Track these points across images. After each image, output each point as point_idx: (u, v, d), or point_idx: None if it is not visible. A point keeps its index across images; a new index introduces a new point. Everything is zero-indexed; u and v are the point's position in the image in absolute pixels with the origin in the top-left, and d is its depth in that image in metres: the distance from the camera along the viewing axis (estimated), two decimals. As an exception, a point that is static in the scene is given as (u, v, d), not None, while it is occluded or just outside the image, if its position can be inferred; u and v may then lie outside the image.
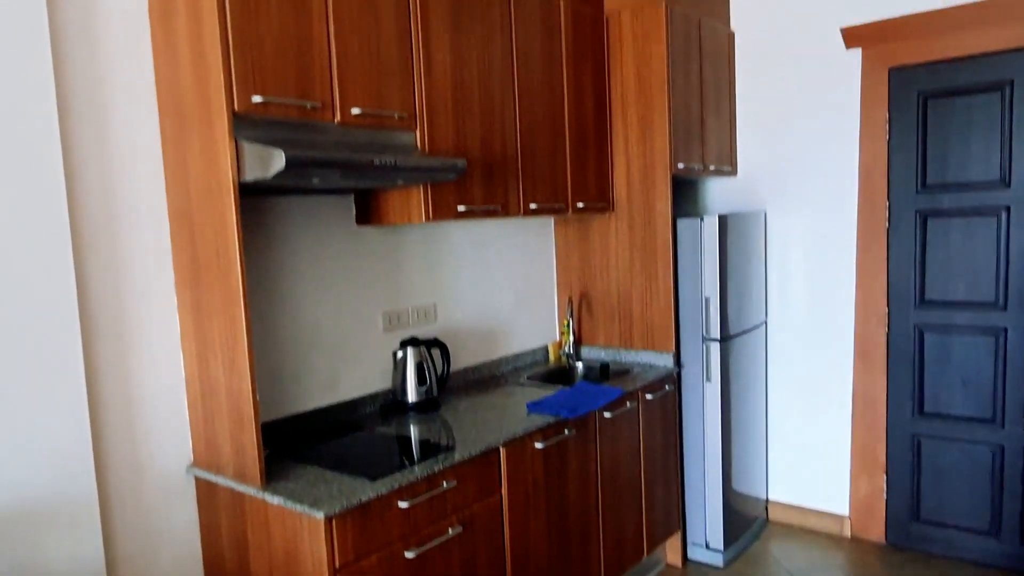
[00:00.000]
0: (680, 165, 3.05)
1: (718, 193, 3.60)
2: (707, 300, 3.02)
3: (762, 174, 3.45)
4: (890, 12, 3.04)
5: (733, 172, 3.50)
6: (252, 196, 2.21)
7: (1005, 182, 2.88)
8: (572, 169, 2.92)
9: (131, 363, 1.95)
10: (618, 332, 3.23)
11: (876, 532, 3.30)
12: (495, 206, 2.55)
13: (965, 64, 2.92)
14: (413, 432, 2.29)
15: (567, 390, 2.69)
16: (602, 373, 3.15)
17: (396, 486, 1.84)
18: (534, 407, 2.47)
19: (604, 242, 3.23)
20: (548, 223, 3.37)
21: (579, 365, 3.25)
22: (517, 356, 3.20)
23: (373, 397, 2.57)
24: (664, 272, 3.06)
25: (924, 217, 3.08)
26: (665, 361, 3.09)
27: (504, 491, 2.22)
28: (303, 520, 1.76)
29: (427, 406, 2.54)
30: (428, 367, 2.56)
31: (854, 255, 3.24)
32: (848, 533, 3.36)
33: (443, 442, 2.16)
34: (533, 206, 2.71)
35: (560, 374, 3.20)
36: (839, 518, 3.38)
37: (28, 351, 1.73)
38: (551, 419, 2.37)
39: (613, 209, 3.17)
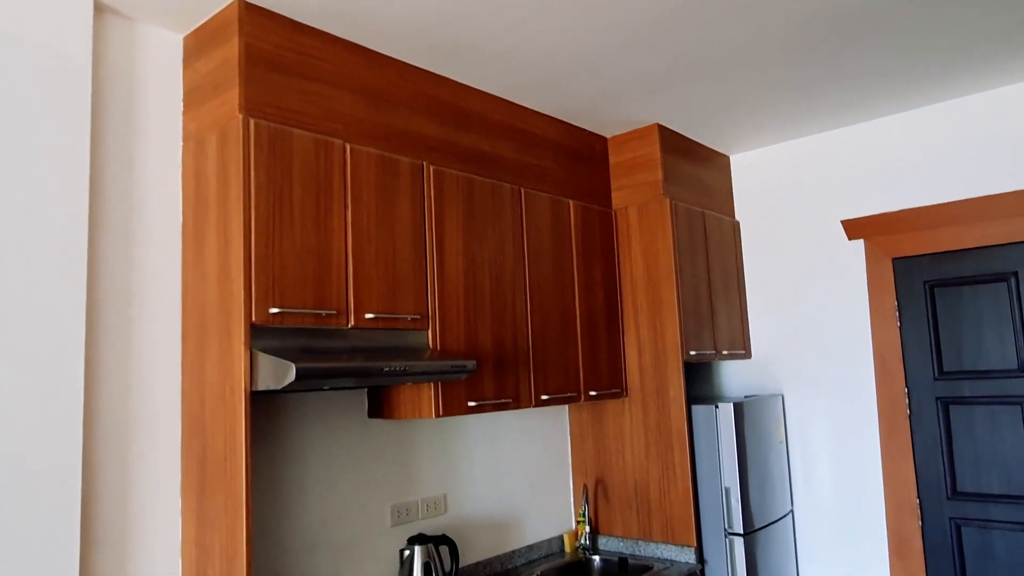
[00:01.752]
0: (692, 352, 3.08)
1: (733, 375, 3.59)
2: (727, 491, 2.93)
3: (777, 357, 3.45)
4: (888, 206, 3.17)
5: (747, 355, 3.51)
6: (266, 394, 2.26)
7: (1023, 370, 2.85)
8: (584, 358, 2.96)
9: (129, 571, 1.91)
10: (636, 521, 3.11)
11: None
12: (506, 399, 2.57)
13: (968, 255, 2.99)
14: (416, 645, 2.17)
15: (581, 593, 2.56)
16: (621, 568, 3.00)
17: None
18: (545, 615, 2.34)
19: (619, 427, 3.19)
20: (563, 409, 3.36)
21: (596, 559, 3.10)
22: (531, 548, 3.07)
23: (377, 600, 2.46)
24: (681, 459, 2.99)
25: (946, 404, 3.02)
26: (687, 556, 2.94)
27: None
28: None
29: (433, 611, 2.42)
30: (436, 567, 2.47)
31: (878, 441, 3.15)
32: None
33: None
34: (545, 397, 2.72)
35: (576, 569, 3.05)
36: None
37: (19, 554, 1.71)
38: (563, 630, 2.24)
39: (627, 394, 3.17)
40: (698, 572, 2.92)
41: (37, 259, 1.79)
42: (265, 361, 1.84)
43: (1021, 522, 2.82)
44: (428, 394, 2.34)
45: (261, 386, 1.84)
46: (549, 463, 3.25)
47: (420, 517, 2.66)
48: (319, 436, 2.39)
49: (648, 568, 2.89)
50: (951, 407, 3.01)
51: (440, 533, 2.56)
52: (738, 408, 2.97)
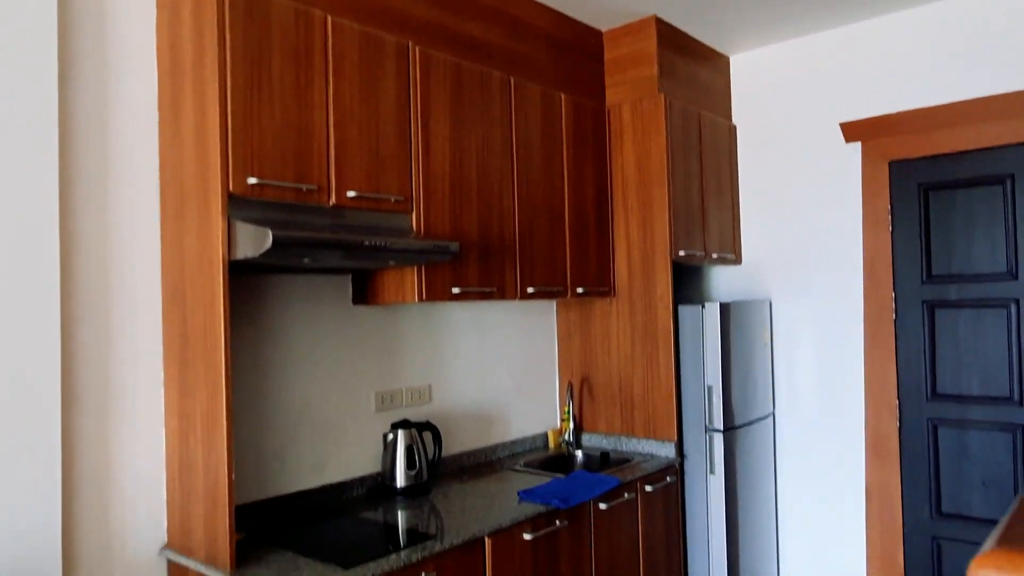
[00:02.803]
0: (681, 252, 3.06)
1: (723, 281, 3.59)
2: (709, 389, 2.96)
3: (766, 263, 3.44)
4: (887, 108, 3.10)
5: (737, 260, 3.49)
6: (248, 274, 2.24)
7: (1012, 274, 2.84)
8: (572, 254, 2.94)
9: (112, 436, 1.94)
10: (620, 419, 3.16)
11: (896, 643, 3.08)
12: (491, 288, 2.56)
13: (964, 158, 2.94)
14: (398, 518, 2.22)
15: (562, 479, 2.61)
16: (602, 461, 3.06)
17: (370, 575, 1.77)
18: (525, 495, 2.39)
19: (605, 326, 3.21)
20: (550, 306, 3.37)
21: (578, 453, 3.17)
22: (515, 442, 3.13)
23: (361, 480, 2.51)
24: (665, 359, 3.01)
25: (932, 308, 3.03)
26: (667, 451, 3.00)
27: (488, 585, 2.12)
28: (269, 609, 1.69)
29: (416, 491, 2.48)
30: (419, 451, 2.51)
31: (862, 345, 3.18)
32: (866, 643, 3.15)
33: (428, 529, 2.08)
34: (530, 290, 2.72)
35: (559, 462, 3.11)
36: (856, 626, 3.17)
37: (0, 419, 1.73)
38: (542, 509, 2.29)
39: (614, 294, 3.16)
40: (677, 465, 2.98)
41: (6, 128, 1.74)
42: (243, 229, 1.81)
43: (996, 421, 2.87)
44: (412, 278, 2.33)
45: (239, 254, 1.82)
46: (535, 361, 3.28)
47: (404, 405, 2.69)
48: (303, 320, 2.39)
49: (628, 460, 2.95)
50: (937, 311, 3.01)
51: (425, 420, 2.60)
52: (724, 309, 2.97)
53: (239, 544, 1.99)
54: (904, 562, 3.06)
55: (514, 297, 2.66)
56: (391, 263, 2.16)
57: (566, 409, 3.24)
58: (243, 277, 2.23)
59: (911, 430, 3.06)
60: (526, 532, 2.24)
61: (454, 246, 2.20)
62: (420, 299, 2.32)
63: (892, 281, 3.10)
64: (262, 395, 2.27)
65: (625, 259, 3.14)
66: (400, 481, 2.47)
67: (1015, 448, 2.83)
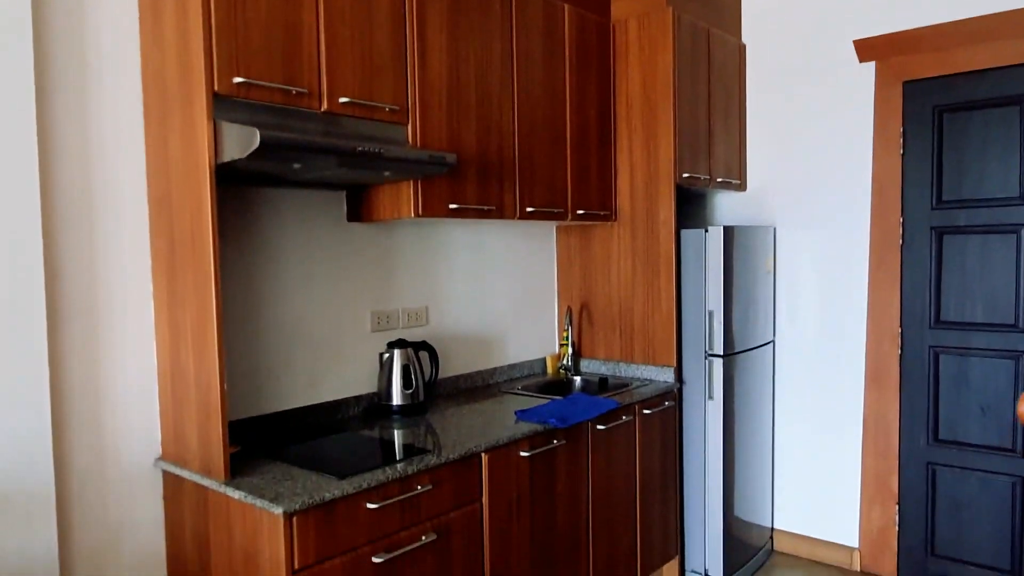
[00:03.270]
0: (685, 175, 2.97)
1: (726, 208, 3.51)
2: (710, 314, 2.92)
3: (772, 189, 3.36)
4: (904, 24, 2.96)
5: (742, 186, 3.41)
6: (239, 185, 2.17)
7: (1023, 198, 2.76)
8: (573, 175, 2.86)
9: (101, 348, 1.90)
10: (619, 345, 3.13)
11: (888, 566, 3.12)
12: (489, 206, 2.48)
13: (982, 77, 2.82)
14: (394, 435, 2.20)
15: (560, 400, 2.59)
16: (600, 386, 3.04)
17: (365, 486, 1.75)
18: (523, 415, 2.37)
19: (606, 251, 3.14)
20: (550, 230, 3.30)
21: (576, 379, 3.15)
22: (513, 367, 3.10)
23: (357, 399, 2.49)
24: (667, 284, 2.96)
25: (940, 234, 2.96)
26: (666, 376, 2.97)
27: (485, 500, 2.11)
28: (263, 516, 1.67)
29: (412, 410, 2.46)
30: (415, 370, 2.48)
31: (866, 273, 3.12)
32: (858, 567, 3.19)
33: (424, 445, 2.06)
34: (530, 209, 2.64)
35: (556, 386, 3.10)
36: (849, 550, 3.21)
37: (-10, 329, 1.68)
38: (539, 428, 2.27)
39: (616, 218, 3.09)
40: (675, 390, 2.97)
41: (-27, 6, 1.63)
42: (229, 129, 1.72)
43: (998, 349, 2.83)
44: (407, 193, 2.25)
45: (226, 156, 1.74)
46: (534, 286, 3.23)
47: (401, 326, 2.65)
48: (297, 237, 2.32)
49: (627, 385, 2.92)
50: (945, 237, 2.95)
51: (421, 340, 2.56)
52: (728, 233, 2.90)
53: (233, 457, 1.97)
54: (899, 488, 3.08)
55: (513, 217, 2.59)
56: (386, 174, 2.08)
57: (565, 334, 3.20)
58: (233, 188, 2.16)
59: (912, 358, 3.03)
60: (523, 449, 2.22)
61: (451, 157, 2.12)
62: (416, 214, 2.24)
63: (901, 207, 3.02)
64: (255, 311, 2.22)
65: (628, 182, 3.05)
66: (396, 400, 2.44)
67: (1016, 375, 2.80)
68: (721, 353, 2.91)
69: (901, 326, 3.06)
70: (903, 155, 3.02)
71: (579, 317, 3.26)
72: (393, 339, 2.59)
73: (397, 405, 2.44)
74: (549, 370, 3.26)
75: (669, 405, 2.91)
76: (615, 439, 2.63)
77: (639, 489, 2.76)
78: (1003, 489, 2.85)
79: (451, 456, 1.98)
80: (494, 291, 3.03)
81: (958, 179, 2.90)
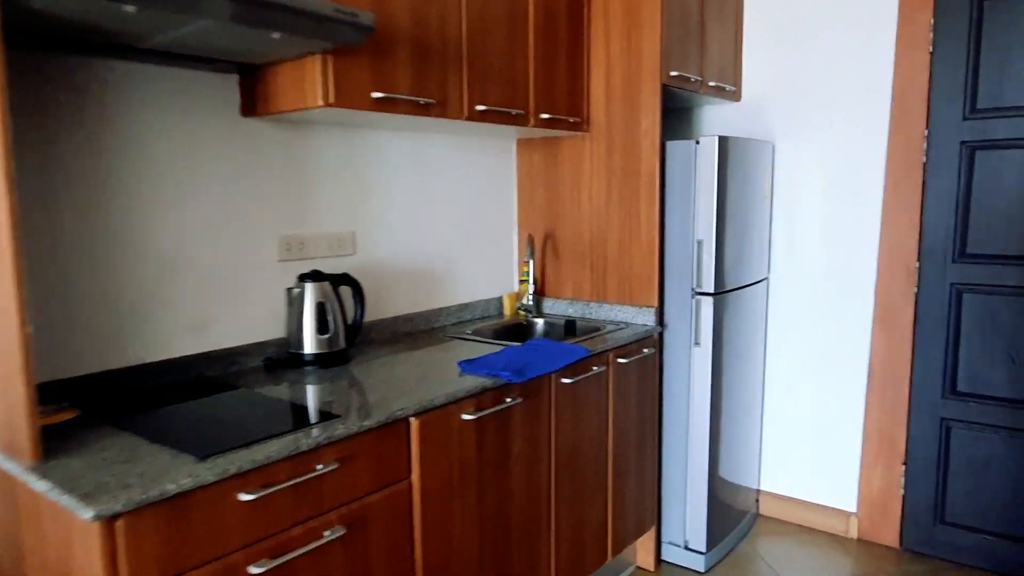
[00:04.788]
0: (673, 73, 2.43)
1: (717, 124, 2.99)
2: (700, 244, 2.42)
3: (771, 99, 2.83)
4: None
5: (736, 96, 2.88)
6: (79, 55, 1.57)
7: (1080, 105, 2.29)
8: (537, 68, 2.30)
9: None
10: (590, 281, 2.63)
11: (889, 534, 2.74)
12: (428, 99, 1.92)
13: (1037, -46, 2.31)
14: (300, 394, 1.68)
15: (518, 347, 2.09)
16: (567, 331, 2.55)
17: (233, 470, 1.23)
18: (469, 366, 1.87)
19: (576, 169, 2.61)
20: (509, 144, 2.74)
21: (539, 322, 2.65)
22: (463, 307, 2.59)
23: (259, 347, 1.96)
24: (648, 208, 2.45)
25: (972, 150, 2.48)
26: (646, 318, 2.49)
27: (415, 476, 1.62)
28: (74, 520, 1.15)
29: (330, 360, 1.94)
30: (334, 310, 1.95)
31: (880, 196, 2.65)
32: (855, 534, 2.81)
33: (334, 408, 1.55)
34: (482, 108, 2.09)
35: (515, 331, 2.60)
36: (845, 515, 2.82)
37: None
38: (489, 382, 1.77)
39: (588, 128, 2.55)
40: (656, 335, 2.49)
41: None
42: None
43: (1014, 286, 2.41)
44: (314, 73, 1.68)
45: (7, -16, 1.15)
46: (490, 210, 2.69)
47: (319, 255, 2.11)
48: (174, 133, 1.74)
49: (599, 329, 2.44)
50: (978, 153, 2.47)
51: (342, 273, 2.02)
52: (724, 144, 2.39)
53: (64, 426, 1.43)
54: (906, 447, 2.68)
55: (460, 115, 2.04)
56: (274, 36, 1.49)
57: (525, 269, 2.69)
58: (71, 58, 1.56)
59: (930, 296, 2.59)
60: (467, 411, 1.72)
61: (367, 17, 1.54)
62: (327, 102, 1.68)
63: (926, 117, 2.53)
64: (111, 233, 1.65)
65: (603, 82, 2.50)
66: (309, 347, 1.92)
67: (1055, 317, 2.38)
68: (711, 291, 2.43)
69: (919, 259, 2.60)
70: (932, 53, 2.51)
71: (543, 249, 2.75)
72: (307, 271, 2.04)
73: (310, 354, 1.92)
74: (507, 311, 2.75)
75: (649, 353, 2.43)
76: (584, 394, 2.15)
77: (612, 452, 2.30)
78: (1030, 448, 2.46)
79: (367, 424, 1.47)
80: (441, 215, 2.49)
81: (998, 82, 2.41)
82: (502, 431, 1.85)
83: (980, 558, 2.58)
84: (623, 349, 2.30)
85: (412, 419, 1.59)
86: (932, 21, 2.49)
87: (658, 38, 2.36)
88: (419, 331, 2.40)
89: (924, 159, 2.55)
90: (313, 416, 1.49)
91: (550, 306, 2.74)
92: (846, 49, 2.65)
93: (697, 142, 2.40)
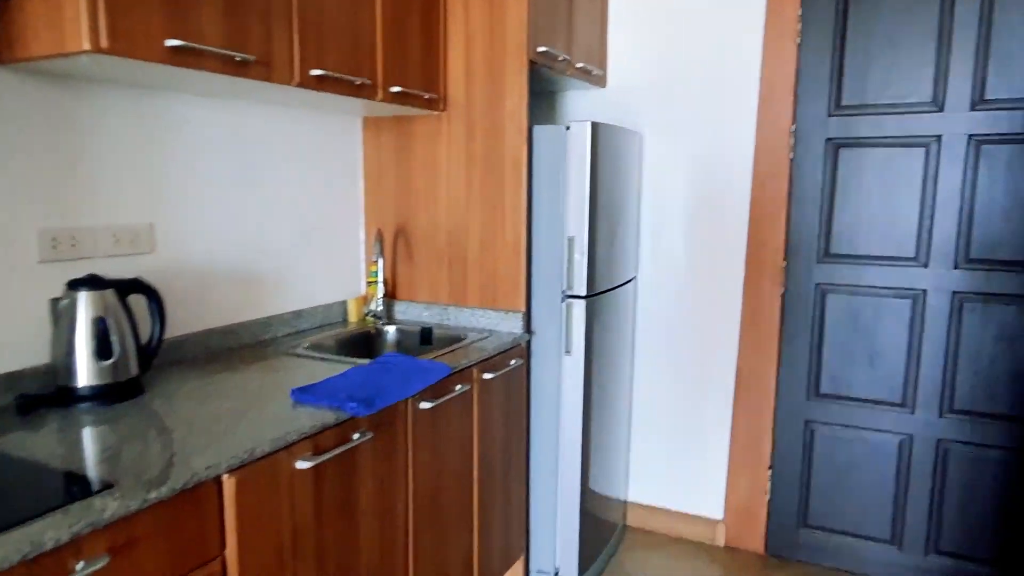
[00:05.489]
0: (540, 49, 2.16)
1: (581, 111, 2.77)
2: (571, 241, 2.18)
3: (638, 86, 2.65)
4: None
5: (602, 81, 2.67)
6: None
7: (938, 104, 2.28)
8: (385, 32, 1.93)
9: None
10: (448, 283, 2.30)
11: (755, 540, 2.67)
12: (247, 56, 1.50)
13: (900, -50, 2.28)
14: (69, 447, 1.21)
15: (366, 366, 1.73)
16: (422, 340, 2.22)
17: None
18: (304, 396, 1.48)
19: (432, 154, 2.28)
20: (353, 123, 2.35)
21: (390, 330, 2.29)
22: (297, 315, 2.17)
23: (10, 379, 1.45)
24: (514, 200, 2.17)
25: (836, 147, 2.43)
26: (512, 325, 2.21)
27: (231, 553, 1.22)
28: None
29: (116, 394, 1.47)
30: (119, 326, 1.48)
31: (748, 193, 2.55)
32: (722, 541, 2.72)
33: (112, 471, 1.11)
34: (318, 73, 1.69)
35: (362, 342, 2.22)
36: (712, 523, 2.72)
37: None
38: (330, 417, 1.40)
39: (445, 107, 2.22)
40: (524, 345, 2.22)
41: None
42: None
43: (894, 287, 2.39)
44: (77, 4, 1.22)
45: None
46: (331, 200, 2.29)
47: (101, 254, 1.62)
48: None
49: (460, 339, 2.13)
50: (842, 151, 2.43)
51: (132, 278, 1.55)
52: (597, 131, 2.15)
53: None
54: (772, 451, 2.61)
55: (289, 80, 1.63)
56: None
57: (373, 269, 2.32)
58: None
59: (796, 297, 2.53)
60: (302, 458, 1.34)
61: (153, -72, 1.12)
62: (97, 46, 1.22)
63: (793, 111, 2.45)
64: None
65: (462, 55, 2.19)
66: (83, 378, 1.44)
67: (913, 317, 2.38)
68: (583, 293, 2.19)
69: (786, 259, 2.53)
70: (799, 45, 2.43)
71: (393, 246, 2.39)
72: (81, 275, 1.55)
73: (86, 388, 1.44)
74: (352, 318, 2.36)
75: (516, 364, 2.15)
76: (446, 419, 1.83)
77: (477, 482, 2.00)
78: (888, 449, 2.46)
79: (155, 495, 1.05)
80: (269, 205, 2.06)
81: (862, 78, 2.37)
82: (348, 476, 1.48)
83: (841, 559, 2.56)
84: (489, 362, 2.00)
85: (226, 477, 1.19)
86: (800, 13, 2.41)
87: (525, 7, 2.08)
88: (243, 347, 1.96)
89: (791, 155, 2.48)
90: (76, 487, 1.05)
91: (403, 311, 2.39)
92: (715, 37, 2.52)
93: (568, 128, 2.14)
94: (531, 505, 2.34)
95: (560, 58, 2.28)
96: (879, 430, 2.46)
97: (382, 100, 1.94)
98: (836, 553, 2.56)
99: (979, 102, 2.23)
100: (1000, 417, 2.30)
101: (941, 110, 2.28)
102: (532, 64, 2.16)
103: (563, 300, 2.21)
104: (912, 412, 2.41)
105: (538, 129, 2.18)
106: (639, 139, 2.62)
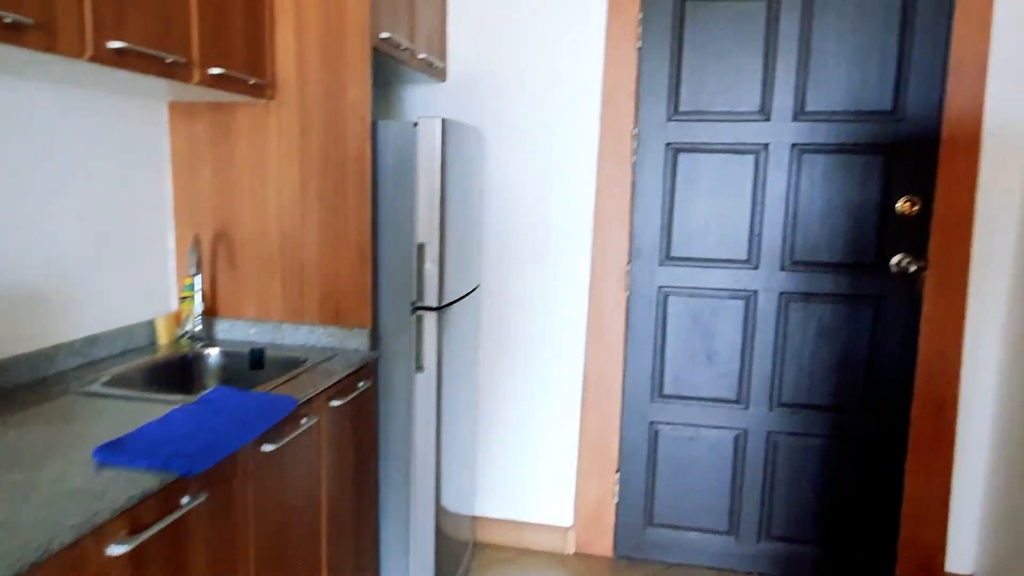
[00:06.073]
0: (384, 35, 1.95)
1: (420, 107, 2.58)
2: (421, 249, 2.00)
3: (479, 83, 2.52)
4: None
5: (442, 75, 2.51)
6: None
7: (765, 114, 2.39)
8: (201, 6, 1.62)
9: None
10: (281, 297, 2.02)
11: (604, 544, 2.67)
12: (22, 18, 1.15)
13: (733, -38, 2.35)
14: None
15: (189, 407, 1.43)
16: (253, 364, 1.93)
17: None
18: (111, 455, 1.17)
19: (259, 149, 1.98)
20: (156, 110, 1.98)
21: (212, 353, 1.97)
22: (92, 341, 1.79)
23: None
24: (358, 203, 1.94)
25: (676, 152, 2.47)
26: (357, 342, 1.98)
27: None
28: None
29: None
30: None
31: (593, 196, 2.52)
32: (572, 549, 2.68)
33: None
34: (117, 45, 1.36)
35: (177, 370, 1.88)
36: (563, 531, 2.68)
37: None
38: (150, 481, 1.11)
39: (275, 95, 1.94)
40: (371, 362, 2.00)
41: None
42: None
43: (729, 288, 2.48)
44: None
45: None
46: (130, 201, 1.91)
47: None
48: None
49: (298, 362, 1.87)
50: (681, 155, 2.47)
51: None
52: (447, 129, 1.99)
53: None
54: (619, 453, 2.62)
55: (81, 53, 1.29)
56: None
57: (188, 282, 1.98)
58: None
59: (640, 300, 2.54)
60: (116, 541, 1.05)
61: None
62: None
63: (635, 114, 2.46)
64: None
65: (293, 35, 1.91)
66: None
67: (746, 317, 2.48)
68: (435, 305, 2.02)
69: (630, 262, 2.54)
70: (640, 49, 2.43)
71: (212, 254, 2.05)
72: None
73: None
74: (162, 341, 2.00)
75: (364, 387, 1.93)
76: (293, 459, 1.58)
77: (326, 521, 1.77)
78: (725, 444, 2.55)
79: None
80: (52, 207, 1.66)
81: (699, 85, 2.42)
82: (178, 551, 1.20)
83: (685, 555, 2.63)
84: (336, 387, 1.77)
85: (6, 590, 0.88)
86: (640, 15, 2.41)
87: (366, -12, 1.86)
88: (19, 387, 1.56)
89: (634, 158, 2.48)
90: None
91: (226, 330, 2.06)
92: (558, 36, 2.45)
93: (416, 124, 1.96)
94: (383, 535, 2.13)
95: (403, 47, 2.08)
96: (717, 426, 2.55)
97: (199, 83, 1.63)
98: (680, 549, 2.63)
99: (801, 113, 2.36)
100: (820, 408, 2.47)
101: (768, 119, 2.39)
102: (375, 52, 1.94)
103: (413, 313, 2.02)
104: (746, 408, 2.52)
105: (382, 124, 1.97)
106: (483, 138, 2.49)
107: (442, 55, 2.47)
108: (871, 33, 2.28)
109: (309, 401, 1.63)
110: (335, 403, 1.75)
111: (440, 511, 2.15)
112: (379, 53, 1.97)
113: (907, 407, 2.40)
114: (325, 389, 1.69)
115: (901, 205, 2.32)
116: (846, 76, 2.32)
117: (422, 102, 2.57)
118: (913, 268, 2.31)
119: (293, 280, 2.00)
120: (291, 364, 1.87)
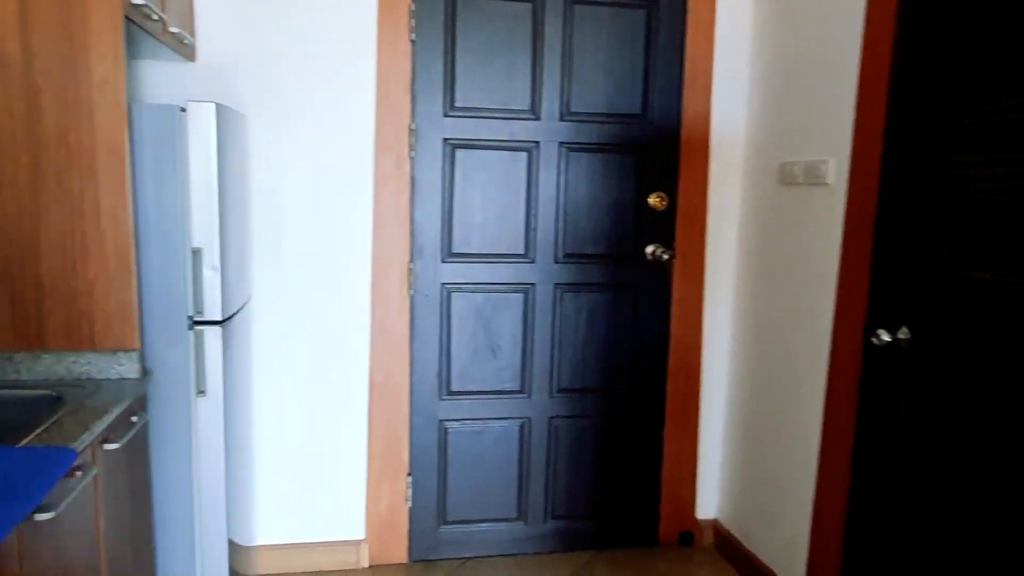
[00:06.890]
0: (137, 1, 1.63)
1: (164, 88, 2.22)
2: (198, 254, 1.72)
3: (236, 65, 2.25)
4: None
5: (191, 54, 2.19)
6: None
7: (535, 113, 2.49)
8: None
9: None
10: (11, 321, 1.60)
11: (399, 551, 2.58)
12: None
13: (501, -38, 2.40)
14: None
15: (-84, 479, 1.05)
16: (-23, 412, 1.50)
17: None
18: None
19: (-34, 133, 1.53)
20: None
21: (-93, 401, 1.48)
22: None
23: None
24: (116, 201, 1.61)
25: (454, 148, 2.46)
26: (124, 369, 1.65)
27: None
28: None
29: None
30: None
31: (371, 193, 2.40)
32: (366, 562, 2.55)
33: None
34: None
35: None
36: (355, 545, 2.53)
37: None
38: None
39: (-13, 65, 1.52)
40: (142, 393, 1.68)
41: None
42: None
43: (509, 283, 2.54)
44: None
45: None
46: None
47: None
48: None
49: (51, 401, 1.49)
50: (458, 151, 2.47)
51: None
52: (223, 115, 1.73)
53: None
54: (410, 457, 2.55)
55: None
56: None
57: None
58: None
59: (424, 298, 2.49)
60: None
61: None
62: None
63: (411, 108, 2.39)
64: None
65: (15, -9, 1.52)
66: None
67: (526, 308, 2.57)
68: (218, 319, 1.76)
69: (412, 261, 2.47)
70: (414, 41, 2.37)
71: None
72: None
73: None
74: None
75: (139, 422, 1.61)
76: (69, 521, 1.25)
77: (102, 594, 1.44)
78: (511, 434, 2.62)
79: None
80: None
81: (475, 80, 2.43)
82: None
83: (479, 547, 2.65)
84: (109, 429, 1.44)
85: None
86: (412, 7, 2.35)
87: (115, -59, 1.54)
88: None
89: (412, 154, 2.42)
90: None
91: (-79, 369, 1.57)
92: (330, 18, 2.29)
93: (183, 109, 1.68)
94: (159, 595, 1.81)
95: (155, 17, 1.77)
96: (504, 418, 2.61)
97: None
98: (474, 543, 2.64)
99: (567, 114, 2.51)
100: (593, 390, 2.66)
101: (538, 119, 2.49)
102: (127, 20, 1.62)
103: (191, 328, 1.74)
104: (529, 397, 2.62)
105: (139, 107, 1.65)
106: (246, 129, 2.23)
107: (191, 31, 2.15)
108: (622, 42, 2.49)
109: (84, 451, 1.30)
110: (110, 447, 1.43)
111: (233, 548, 1.89)
112: (130, 22, 1.64)
113: (664, 382, 2.69)
114: (100, 432, 1.37)
115: (653, 200, 2.59)
116: (603, 81, 2.50)
117: (166, 83, 2.21)
118: (665, 257, 2.59)
119: (25, 297, 1.59)
120: (46, 404, 1.49)
